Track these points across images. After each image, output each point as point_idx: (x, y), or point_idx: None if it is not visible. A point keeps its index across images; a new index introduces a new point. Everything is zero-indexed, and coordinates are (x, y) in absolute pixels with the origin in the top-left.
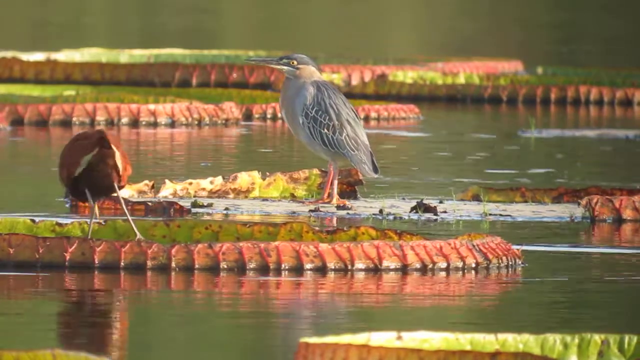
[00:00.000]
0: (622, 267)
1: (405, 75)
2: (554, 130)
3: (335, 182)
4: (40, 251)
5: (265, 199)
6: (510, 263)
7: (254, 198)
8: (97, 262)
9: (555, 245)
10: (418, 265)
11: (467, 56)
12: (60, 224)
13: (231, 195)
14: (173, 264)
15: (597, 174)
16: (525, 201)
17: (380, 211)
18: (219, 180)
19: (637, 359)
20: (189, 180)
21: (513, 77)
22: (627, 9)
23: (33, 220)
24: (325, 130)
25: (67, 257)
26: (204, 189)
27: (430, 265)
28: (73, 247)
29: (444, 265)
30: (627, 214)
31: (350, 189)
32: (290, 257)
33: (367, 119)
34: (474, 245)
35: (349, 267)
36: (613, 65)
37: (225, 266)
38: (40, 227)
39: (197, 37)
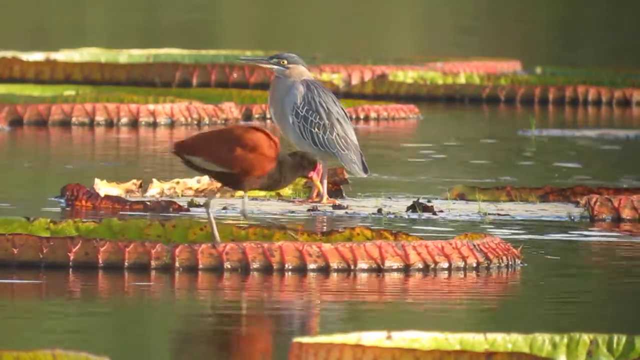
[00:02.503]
0: (622, 266)
1: (406, 75)
2: (554, 130)
3: (325, 181)
4: (44, 251)
5: (254, 198)
6: (510, 263)
7: (244, 197)
8: (100, 262)
9: (555, 244)
10: (420, 265)
11: (466, 56)
12: (54, 222)
13: (218, 195)
14: (177, 264)
15: (597, 174)
16: (512, 200)
17: (379, 210)
18: (205, 179)
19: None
20: (176, 180)
21: (513, 77)
22: (627, 9)
23: (28, 219)
24: (316, 129)
25: (71, 257)
26: (190, 188)
27: (432, 265)
28: (77, 247)
29: (445, 265)
30: (626, 213)
31: (335, 187)
32: (293, 257)
33: (367, 119)
34: (474, 245)
35: (352, 267)
36: (613, 65)
37: (229, 266)
38: (35, 225)
39: (196, 36)
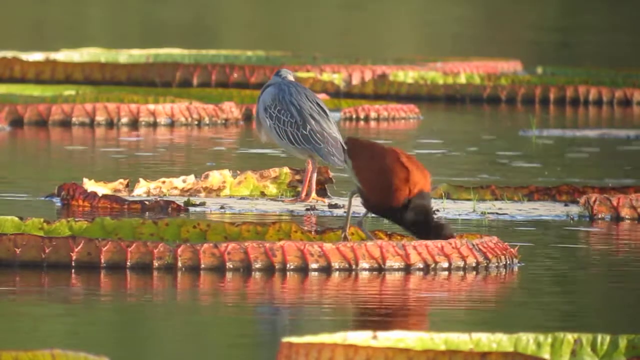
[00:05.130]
0: (621, 266)
1: (406, 75)
2: (554, 130)
3: (314, 180)
4: (47, 251)
5: (243, 197)
6: (508, 263)
7: (231, 196)
8: (103, 262)
9: (554, 243)
10: (421, 265)
11: (467, 56)
12: (48, 222)
13: (202, 194)
14: (179, 264)
15: (596, 173)
16: (496, 199)
17: None
18: (191, 178)
19: (633, 357)
20: (162, 179)
21: (514, 77)
22: (627, 8)
23: (21, 218)
24: (290, 127)
25: (73, 257)
26: (176, 188)
27: (433, 265)
28: (79, 247)
29: (445, 265)
30: (625, 212)
31: (319, 187)
32: (295, 257)
33: (367, 119)
34: (473, 245)
35: (353, 266)
36: (613, 65)
37: (231, 266)
38: (29, 225)
39: (195, 36)
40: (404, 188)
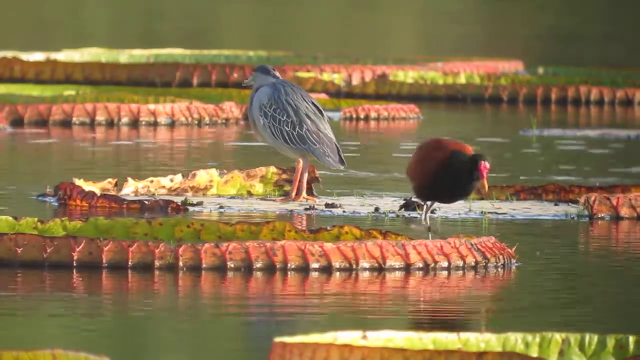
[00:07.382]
0: (620, 266)
1: (406, 75)
2: (555, 130)
3: (304, 179)
4: (48, 251)
5: (232, 197)
6: (506, 262)
7: (219, 196)
8: (104, 262)
9: (553, 243)
10: (420, 265)
11: (467, 56)
12: (42, 221)
13: (190, 193)
14: (180, 264)
15: (595, 173)
16: (482, 198)
17: (376, 209)
18: (178, 178)
19: (632, 357)
20: (150, 178)
21: (514, 77)
22: (628, 9)
23: (15, 218)
24: (286, 127)
25: (75, 257)
26: (163, 187)
27: (432, 265)
28: (80, 246)
29: (445, 264)
30: (624, 211)
31: (307, 186)
32: (296, 257)
33: (367, 118)
34: (472, 245)
35: (354, 266)
36: (614, 65)
37: (232, 265)
38: (22, 225)
39: (197, 36)
40: (437, 153)
